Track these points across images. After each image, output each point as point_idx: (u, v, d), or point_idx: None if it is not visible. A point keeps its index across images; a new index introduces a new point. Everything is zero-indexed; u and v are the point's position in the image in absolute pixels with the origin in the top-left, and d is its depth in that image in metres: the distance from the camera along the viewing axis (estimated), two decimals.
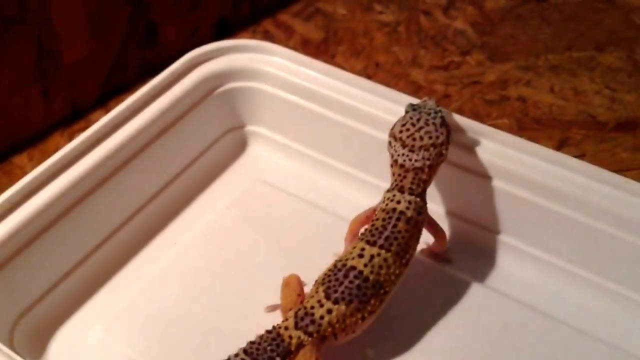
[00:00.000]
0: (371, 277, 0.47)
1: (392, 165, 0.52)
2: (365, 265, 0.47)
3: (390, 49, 0.81)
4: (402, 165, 0.51)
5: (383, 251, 0.48)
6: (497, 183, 0.55)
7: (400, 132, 0.52)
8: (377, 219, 0.50)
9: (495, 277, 0.56)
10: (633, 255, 0.52)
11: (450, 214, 0.59)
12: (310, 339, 0.46)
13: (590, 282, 0.54)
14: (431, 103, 0.53)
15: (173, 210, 0.60)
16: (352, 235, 0.54)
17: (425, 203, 0.51)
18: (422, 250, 0.56)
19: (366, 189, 0.60)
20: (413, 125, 0.51)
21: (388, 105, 0.58)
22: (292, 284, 0.50)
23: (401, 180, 0.51)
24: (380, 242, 0.48)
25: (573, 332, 0.52)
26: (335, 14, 0.86)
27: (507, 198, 0.55)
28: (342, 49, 0.81)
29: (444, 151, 0.51)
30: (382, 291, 0.48)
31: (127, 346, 0.51)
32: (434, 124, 0.51)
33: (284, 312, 0.50)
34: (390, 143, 0.52)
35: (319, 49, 0.81)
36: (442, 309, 0.53)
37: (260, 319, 0.51)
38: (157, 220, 0.60)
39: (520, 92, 0.74)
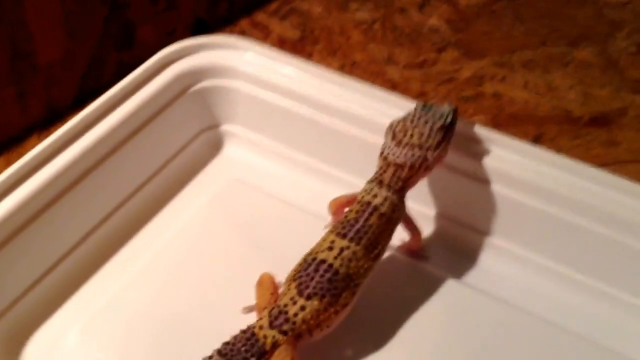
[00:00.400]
0: (341, 270, 0.47)
1: (379, 156, 0.52)
2: (335, 258, 0.47)
3: (366, 47, 0.81)
4: (385, 158, 0.51)
5: (353, 244, 0.48)
6: (476, 181, 0.55)
7: (398, 124, 0.52)
8: (351, 211, 0.50)
9: (474, 274, 0.56)
10: (613, 251, 0.52)
11: (429, 211, 0.59)
12: (285, 337, 0.46)
13: (568, 278, 0.54)
14: (445, 108, 0.52)
15: (149, 212, 0.60)
16: (333, 215, 0.55)
17: (402, 202, 0.51)
18: (399, 248, 0.57)
19: (343, 186, 0.59)
20: (412, 121, 0.51)
21: (366, 102, 0.58)
22: (266, 283, 0.50)
23: (382, 174, 0.51)
24: (351, 235, 0.48)
25: (551, 327, 0.52)
26: (311, 13, 0.86)
27: (487, 195, 0.55)
28: (319, 48, 0.81)
29: (429, 156, 0.50)
30: (352, 284, 0.48)
31: (104, 349, 0.50)
32: (431, 126, 0.51)
33: (259, 311, 0.49)
34: (386, 133, 0.52)
35: (296, 48, 0.81)
36: (420, 307, 0.53)
37: (238, 319, 0.51)
38: (132, 221, 0.59)
39: (496, 88, 0.75)
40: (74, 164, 0.54)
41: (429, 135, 0.50)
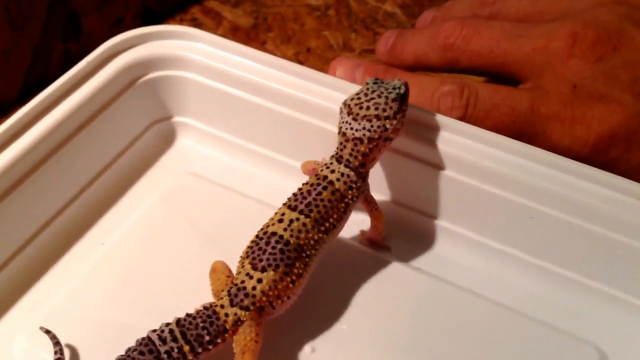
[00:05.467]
0: (292, 241, 0.48)
1: (337, 133, 0.52)
2: (285, 229, 0.48)
3: (320, 33, 0.79)
4: (344, 134, 0.51)
5: (302, 216, 0.48)
6: (434, 168, 0.55)
7: (352, 99, 0.51)
8: (307, 183, 0.50)
9: (434, 263, 0.55)
10: (573, 237, 0.52)
11: (386, 198, 0.58)
12: (247, 313, 0.46)
13: (531, 265, 0.54)
14: (396, 82, 0.52)
15: (99, 209, 0.58)
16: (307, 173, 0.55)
17: (362, 180, 0.51)
18: (360, 239, 0.56)
19: (298, 176, 0.58)
20: (365, 95, 0.51)
21: (319, 90, 0.57)
22: (219, 268, 0.50)
23: (341, 150, 0.51)
24: (301, 207, 0.49)
25: (512, 314, 0.52)
26: None
27: (444, 182, 0.55)
28: (273, 35, 0.80)
29: (388, 126, 0.50)
30: (304, 255, 0.48)
31: (54, 355, 0.48)
32: (386, 97, 0.50)
33: (216, 295, 0.49)
34: (340, 110, 0.52)
35: (249, 36, 0.80)
36: (380, 297, 0.52)
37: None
38: (82, 219, 0.57)
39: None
40: (18, 162, 0.52)
41: (385, 105, 0.50)
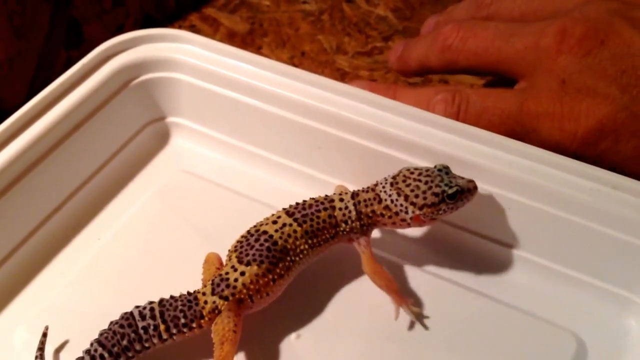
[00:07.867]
0: (280, 242, 0.49)
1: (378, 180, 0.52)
2: (276, 230, 0.49)
3: (315, 37, 0.81)
4: (376, 184, 0.52)
5: (295, 224, 0.50)
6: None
7: (408, 169, 0.51)
8: (312, 198, 0.52)
9: (417, 254, 0.56)
10: (551, 227, 0.53)
11: None
12: (225, 303, 0.47)
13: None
14: (460, 180, 0.50)
15: (96, 205, 0.60)
16: None
17: (360, 225, 0.51)
18: None
19: (289, 174, 0.60)
20: (420, 174, 0.51)
21: (311, 91, 0.58)
22: (211, 259, 0.52)
23: (363, 191, 0.52)
24: (297, 215, 0.50)
25: (489, 301, 0.53)
26: (260, 5, 0.86)
27: None
28: (268, 40, 0.81)
29: (409, 211, 0.50)
30: (288, 258, 0.49)
31: (53, 345, 0.50)
32: (430, 187, 0.50)
33: (205, 284, 0.50)
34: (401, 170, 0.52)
35: (245, 41, 0.81)
36: (365, 288, 0.53)
37: None
38: (79, 216, 0.59)
39: (442, 74, 0.75)
40: (15, 161, 0.54)
41: (421, 193, 0.50)
